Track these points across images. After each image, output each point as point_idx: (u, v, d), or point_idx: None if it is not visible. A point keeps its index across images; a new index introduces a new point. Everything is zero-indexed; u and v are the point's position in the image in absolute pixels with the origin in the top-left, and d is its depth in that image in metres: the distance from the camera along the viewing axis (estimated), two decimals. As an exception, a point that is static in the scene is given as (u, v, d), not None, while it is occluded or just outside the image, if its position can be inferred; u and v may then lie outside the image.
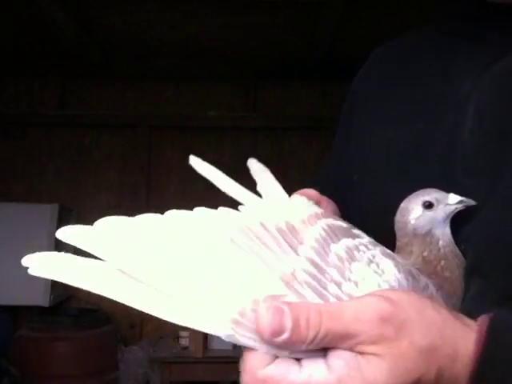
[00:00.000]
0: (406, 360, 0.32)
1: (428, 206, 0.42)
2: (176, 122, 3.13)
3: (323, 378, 0.31)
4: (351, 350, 0.32)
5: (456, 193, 0.44)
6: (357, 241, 0.39)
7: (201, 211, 0.43)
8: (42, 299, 2.62)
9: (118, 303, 0.31)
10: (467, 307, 0.42)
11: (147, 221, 0.38)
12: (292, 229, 0.38)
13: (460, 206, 0.42)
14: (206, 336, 2.40)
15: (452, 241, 0.44)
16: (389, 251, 0.41)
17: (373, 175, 0.54)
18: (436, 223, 0.43)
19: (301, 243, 0.37)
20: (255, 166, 0.52)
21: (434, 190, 0.43)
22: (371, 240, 0.41)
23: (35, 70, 3.12)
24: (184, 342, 2.44)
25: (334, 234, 0.39)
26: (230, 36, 2.73)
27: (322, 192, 0.51)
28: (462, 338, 0.33)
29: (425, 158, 0.48)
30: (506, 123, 0.44)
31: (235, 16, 2.47)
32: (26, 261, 0.32)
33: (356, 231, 0.41)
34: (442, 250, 0.43)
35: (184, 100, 3.19)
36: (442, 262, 0.43)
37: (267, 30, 2.62)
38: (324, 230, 0.39)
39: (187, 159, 0.51)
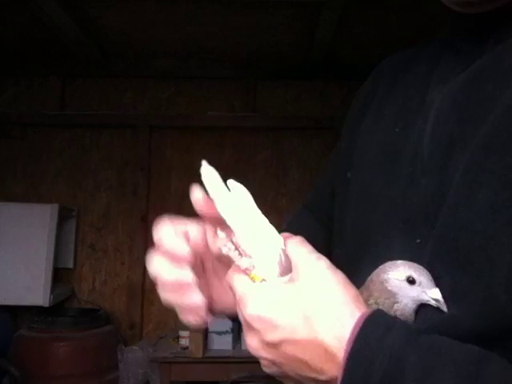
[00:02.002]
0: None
1: (411, 281, 0.46)
2: (176, 122, 3.13)
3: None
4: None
5: (415, 191, 0.50)
6: None
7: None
8: (42, 299, 2.62)
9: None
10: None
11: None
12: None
13: (431, 302, 0.45)
14: (205, 336, 2.40)
15: (408, 317, 0.47)
16: None
17: (358, 173, 0.60)
18: (406, 294, 0.46)
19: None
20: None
21: (426, 272, 0.46)
22: None
23: (35, 70, 3.12)
24: (184, 342, 2.44)
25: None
26: (230, 36, 2.73)
27: (312, 205, 0.72)
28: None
29: (398, 159, 0.54)
30: (454, 128, 0.48)
31: (235, 16, 2.47)
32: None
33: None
34: (394, 311, 0.46)
35: (184, 100, 3.19)
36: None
37: (267, 30, 2.62)
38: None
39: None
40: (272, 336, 0.42)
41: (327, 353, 0.40)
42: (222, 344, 2.41)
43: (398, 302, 0.46)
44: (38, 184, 3.08)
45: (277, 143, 3.15)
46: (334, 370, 0.39)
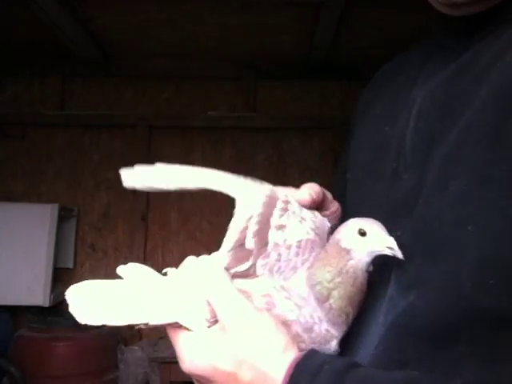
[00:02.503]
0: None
1: (362, 233, 0.46)
2: (176, 121, 3.13)
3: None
4: None
5: (398, 186, 0.51)
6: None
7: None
8: (42, 299, 2.62)
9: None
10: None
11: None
12: None
13: (387, 252, 0.46)
14: (205, 336, 2.40)
15: (364, 271, 0.47)
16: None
17: (353, 173, 0.61)
18: (359, 248, 0.47)
19: None
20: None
21: (378, 223, 0.47)
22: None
23: (35, 70, 3.12)
24: (184, 342, 2.44)
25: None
26: (230, 36, 2.73)
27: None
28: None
29: (384, 156, 0.55)
30: (435, 123, 0.49)
31: (235, 16, 2.47)
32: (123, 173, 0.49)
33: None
34: (346, 270, 0.46)
35: (184, 100, 3.19)
36: (339, 279, 0.46)
37: (267, 30, 2.62)
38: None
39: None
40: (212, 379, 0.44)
41: None
42: (221, 344, 2.41)
43: (352, 259, 0.46)
44: (38, 184, 3.08)
45: (277, 143, 3.15)
46: None
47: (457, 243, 0.42)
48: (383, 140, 0.56)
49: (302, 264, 0.48)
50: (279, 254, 0.47)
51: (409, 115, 0.53)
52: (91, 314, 0.52)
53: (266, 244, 0.48)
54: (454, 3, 0.51)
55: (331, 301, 0.45)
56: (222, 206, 3.12)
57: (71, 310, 0.53)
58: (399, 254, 0.45)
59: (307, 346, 0.45)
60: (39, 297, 2.62)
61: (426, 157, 0.49)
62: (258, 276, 0.47)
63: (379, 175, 0.55)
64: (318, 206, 0.53)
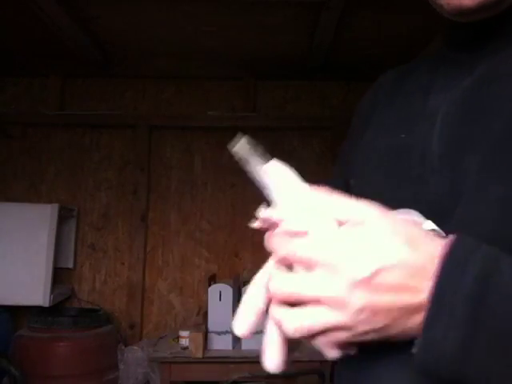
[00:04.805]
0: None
1: None
2: (176, 121, 3.13)
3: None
4: None
5: (427, 190, 0.52)
6: None
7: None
8: (42, 299, 2.62)
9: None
10: None
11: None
12: None
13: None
14: (205, 336, 2.41)
15: None
16: None
17: (366, 179, 0.62)
18: None
19: None
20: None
21: (415, 212, 0.48)
22: None
23: (35, 70, 3.12)
24: (184, 342, 2.44)
25: None
26: (230, 36, 2.73)
27: None
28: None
29: (406, 162, 0.56)
30: (462, 131, 0.51)
31: (235, 16, 2.47)
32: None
33: None
34: None
35: (184, 100, 3.19)
36: None
37: (267, 30, 2.62)
38: None
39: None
40: (365, 269, 0.39)
41: (425, 270, 0.39)
42: (222, 344, 2.41)
43: None
44: (38, 184, 3.08)
45: (277, 143, 3.15)
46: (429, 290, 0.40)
47: (499, 246, 0.42)
48: (401, 147, 0.58)
49: None
50: None
51: (431, 124, 0.55)
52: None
53: None
54: (459, 11, 0.53)
55: None
56: (222, 206, 3.12)
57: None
58: (441, 232, 0.46)
59: None
60: (39, 297, 2.62)
61: (455, 162, 0.50)
62: None
63: (402, 181, 0.56)
64: None
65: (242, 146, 0.52)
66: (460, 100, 0.54)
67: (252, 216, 0.49)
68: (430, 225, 0.46)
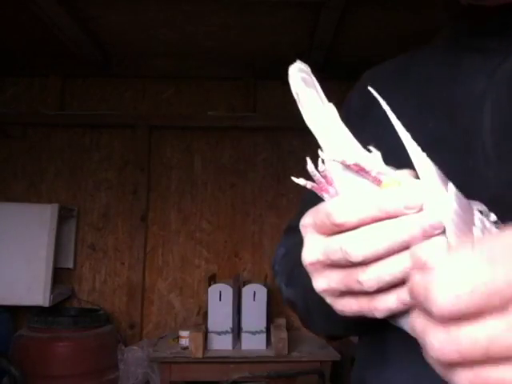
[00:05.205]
0: None
1: (480, 213, 0.39)
2: (176, 121, 3.13)
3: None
4: None
5: (479, 183, 0.46)
6: None
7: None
8: (42, 299, 2.62)
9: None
10: None
11: None
12: None
13: (495, 226, 0.39)
14: (205, 336, 2.41)
15: None
16: None
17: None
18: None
19: None
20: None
21: (481, 204, 0.41)
22: None
23: (35, 70, 3.12)
24: (184, 342, 2.44)
25: None
26: (230, 36, 2.73)
27: None
28: None
29: (447, 155, 0.49)
30: None
31: (235, 16, 2.47)
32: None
33: None
34: None
35: (184, 100, 3.19)
36: None
37: (267, 30, 2.62)
38: None
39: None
40: None
41: None
42: (222, 344, 2.41)
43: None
44: (38, 184, 3.08)
45: (277, 143, 3.15)
46: None
47: None
48: (435, 139, 0.51)
49: None
50: None
51: (477, 110, 0.50)
52: None
53: None
54: None
55: None
56: (222, 206, 3.12)
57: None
58: (501, 225, 0.40)
59: None
60: (39, 297, 2.62)
61: None
62: None
63: (447, 176, 0.50)
64: None
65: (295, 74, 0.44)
66: (510, 82, 0.49)
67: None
68: (493, 217, 0.39)
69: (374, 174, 0.37)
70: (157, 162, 3.14)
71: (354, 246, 0.35)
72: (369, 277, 0.35)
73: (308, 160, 0.44)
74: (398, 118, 0.54)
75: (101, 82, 3.16)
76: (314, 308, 0.55)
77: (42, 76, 3.14)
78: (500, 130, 0.48)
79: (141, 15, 2.47)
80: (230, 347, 2.42)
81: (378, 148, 0.44)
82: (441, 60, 0.58)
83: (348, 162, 0.38)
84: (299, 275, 0.55)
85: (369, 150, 0.40)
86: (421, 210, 0.33)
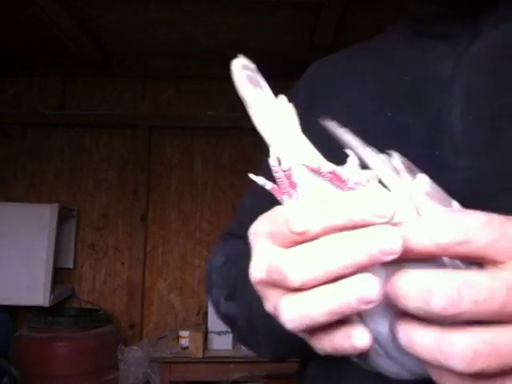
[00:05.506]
0: None
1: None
2: (176, 121, 3.13)
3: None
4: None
5: (448, 175, 0.40)
6: None
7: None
8: (42, 299, 2.62)
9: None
10: None
11: None
12: None
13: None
14: (205, 336, 2.41)
15: None
16: None
17: None
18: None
19: None
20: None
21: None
22: None
23: (35, 70, 3.12)
24: (184, 342, 2.44)
25: None
26: (230, 36, 2.73)
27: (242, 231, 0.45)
28: None
29: (407, 145, 0.44)
30: (496, 100, 0.43)
31: (235, 16, 2.47)
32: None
33: None
34: None
35: (184, 100, 3.19)
36: None
37: (267, 30, 2.62)
38: None
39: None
40: None
41: None
42: (222, 344, 2.41)
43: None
44: (38, 184, 3.08)
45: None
46: None
47: None
48: (395, 128, 0.47)
49: None
50: None
51: (445, 96, 0.46)
52: None
53: None
54: None
55: None
56: (222, 206, 3.12)
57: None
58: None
59: None
60: (39, 297, 2.62)
61: (490, 137, 0.42)
62: None
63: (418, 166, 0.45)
64: None
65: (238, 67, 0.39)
66: (479, 67, 0.46)
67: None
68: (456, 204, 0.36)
69: (350, 184, 0.32)
70: (157, 162, 3.14)
71: (293, 265, 0.29)
72: (314, 307, 0.28)
73: (271, 153, 0.38)
74: (354, 107, 0.51)
75: (101, 82, 3.16)
76: (261, 329, 0.48)
77: (42, 76, 3.14)
78: (471, 116, 0.44)
79: (141, 15, 2.47)
80: (230, 347, 2.42)
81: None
82: (401, 46, 0.54)
83: (323, 170, 0.33)
84: (244, 289, 0.48)
85: (346, 155, 0.34)
86: (392, 218, 0.28)
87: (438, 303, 0.25)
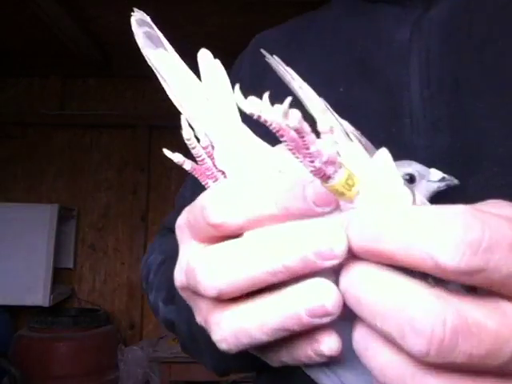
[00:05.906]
0: None
1: (409, 179, 0.33)
2: (176, 122, 3.11)
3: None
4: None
5: (406, 154, 0.35)
6: None
7: None
8: (41, 299, 2.62)
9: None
10: None
11: None
12: None
13: (442, 185, 0.34)
14: (206, 336, 2.40)
15: None
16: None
17: None
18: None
19: None
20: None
21: (415, 162, 0.34)
22: None
23: (35, 70, 3.12)
24: (184, 342, 2.44)
25: None
26: (230, 36, 2.73)
27: None
28: None
29: (360, 121, 0.36)
30: (460, 70, 0.39)
31: (235, 16, 2.47)
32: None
33: None
34: None
35: (184, 100, 3.19)
36: None
37: (267, 29, 2.62)
38: None
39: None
40: None
41: None
42: (222, 344, 2.41)
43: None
44: (38, 184, 3.08)
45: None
46: None
47: None
48: (347, 105, 0.39)
49: None
50: None
51: (401, 65, 0.41)
52: None
53: None
54: None
55: None
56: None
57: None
58: (454, 180, 0.33)
59: None
60: (39, 297, 2.62)
61: (452, 111, 0.38)
62: None
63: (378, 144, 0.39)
64: None
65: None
66: (438, 34, 0.41)
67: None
68: (437, 174, 0.33)
69: (313, 149, 0.23)
70: (157, 162, 3.14)
71: (206, 268, 0.23)
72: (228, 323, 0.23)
73: (183, 124, 0.31)
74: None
75: (101, 82, 3.16)
76: (202, 340, 0.40)
77: (42, 76, 3.14)
78: (432, 89, 0.39)
79: (141, 15, 2.47)
80: (230, 347, 2.42)
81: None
82: (350, 14, 0.48)
83: (292, 123, 0.23)
84: None
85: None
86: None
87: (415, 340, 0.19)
